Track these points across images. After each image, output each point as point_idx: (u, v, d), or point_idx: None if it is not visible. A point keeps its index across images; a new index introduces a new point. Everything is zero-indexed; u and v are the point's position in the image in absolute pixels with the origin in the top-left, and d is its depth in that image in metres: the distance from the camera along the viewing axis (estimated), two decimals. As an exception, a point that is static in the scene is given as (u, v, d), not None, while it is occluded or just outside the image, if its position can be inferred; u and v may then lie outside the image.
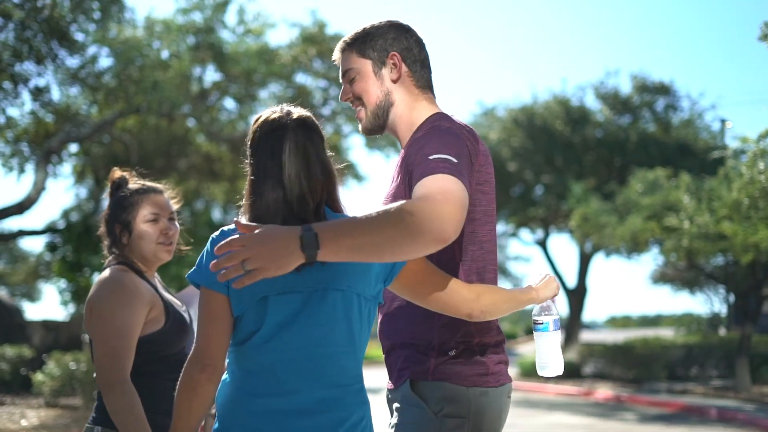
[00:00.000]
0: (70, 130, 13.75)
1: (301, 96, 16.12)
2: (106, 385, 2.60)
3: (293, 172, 2.09)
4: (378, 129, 2.54)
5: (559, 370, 2.47)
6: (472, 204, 2.29)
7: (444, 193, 2.02)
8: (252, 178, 2.12)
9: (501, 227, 27.98)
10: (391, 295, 2.46)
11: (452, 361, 2.35)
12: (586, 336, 33.12)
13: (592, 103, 24.79)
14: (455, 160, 2.15)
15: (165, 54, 13.61)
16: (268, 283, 2.01)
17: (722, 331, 26.80)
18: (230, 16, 40.13)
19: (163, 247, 2.93)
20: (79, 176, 20.25)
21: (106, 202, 3.02)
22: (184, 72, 13.60)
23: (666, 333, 30.19)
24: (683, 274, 28.16)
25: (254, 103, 16.07)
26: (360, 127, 2.60)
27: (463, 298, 2.23)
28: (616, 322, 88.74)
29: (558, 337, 2.47)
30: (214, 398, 2.08)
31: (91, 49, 13.16)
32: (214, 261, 1.85)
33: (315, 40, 15.65)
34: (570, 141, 23.58)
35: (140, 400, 2.63)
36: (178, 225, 3.00)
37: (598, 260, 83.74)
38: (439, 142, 2.22)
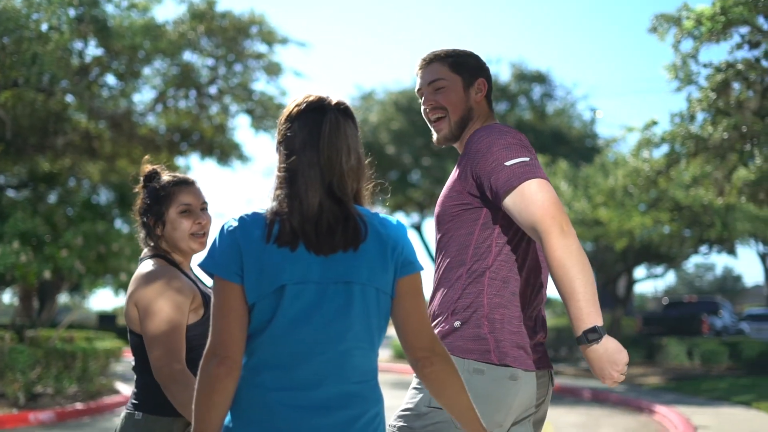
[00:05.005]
0: (-62, 103, 12.90)
1: (187, 74, 15.67)
2: (169, 380, 2.63)
3: (333, 152, 2.04)
4: (454, 139, 2.75)
5: None
6: None
7: (560, 215, 2.40)
8: (286, 154, 2.06)
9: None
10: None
11: (456, 333, 2.50)
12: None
13: (471, 89, 25.28)
14: (528, 159, 2.48)
15: (44, 27, 12.91)
16: (287, 272, 1.96)
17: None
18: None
19: (196, 238, 2.95)
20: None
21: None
22: (65, 46, 12.95)
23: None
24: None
25: (137, 80, 15.53)
26: (436, 136, 2.78)
27: (419, 344, 2.11)
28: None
29: None
30: (233, 395, 1.98)
31: (-37, 19, 12.34)
32: None
33: (204, 17, 15.23)
34: (449, 126, 23.98)
35: None
36: (210, 215, 3.03)
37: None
38: (504, 145, 2.52)
